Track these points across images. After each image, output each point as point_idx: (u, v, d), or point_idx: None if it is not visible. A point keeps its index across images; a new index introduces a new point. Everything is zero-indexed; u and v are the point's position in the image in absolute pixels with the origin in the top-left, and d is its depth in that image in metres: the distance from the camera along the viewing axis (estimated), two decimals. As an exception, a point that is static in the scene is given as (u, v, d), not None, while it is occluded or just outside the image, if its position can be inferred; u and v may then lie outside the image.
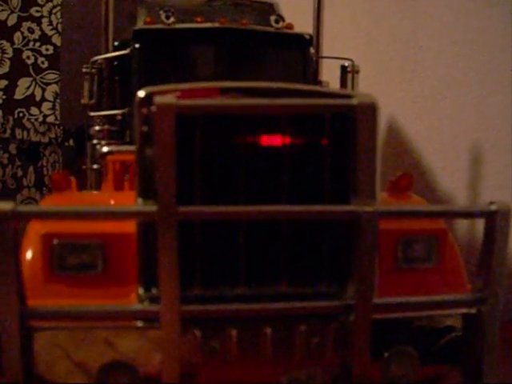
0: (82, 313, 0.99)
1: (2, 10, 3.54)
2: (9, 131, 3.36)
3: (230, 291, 1.05)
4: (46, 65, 3.65)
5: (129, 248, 1.08)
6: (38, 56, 3.52)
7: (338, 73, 1.81)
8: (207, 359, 1.03)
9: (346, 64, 1.80)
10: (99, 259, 1.10)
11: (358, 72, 1.79)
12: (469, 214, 1.15)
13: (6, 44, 3.49)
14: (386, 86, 2.47)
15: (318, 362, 1.06)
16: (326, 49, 1.96)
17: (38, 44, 3.54)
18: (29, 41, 3.52)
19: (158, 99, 0.94)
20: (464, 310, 1.11)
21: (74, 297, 1.08)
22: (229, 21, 1.65)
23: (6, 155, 3.42)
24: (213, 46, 1.69)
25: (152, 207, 0.95)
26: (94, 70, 1.75)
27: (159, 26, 1.64)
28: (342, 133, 1.04)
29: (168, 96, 0.95)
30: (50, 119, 3.71)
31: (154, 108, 0.95)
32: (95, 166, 1.68)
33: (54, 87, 3.63)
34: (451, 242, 1.23)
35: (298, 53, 1.70)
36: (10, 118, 3.36)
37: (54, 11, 3.58)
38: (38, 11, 3.57)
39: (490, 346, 1.10)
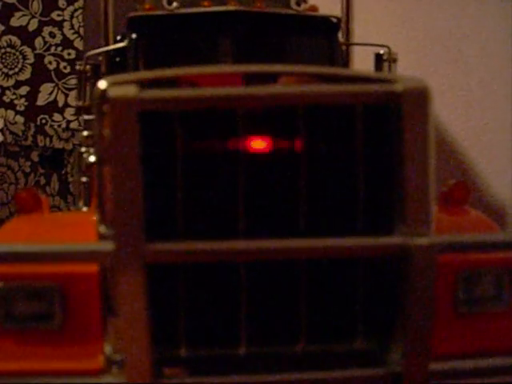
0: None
1: (23, 15, 3.30)
2: (30, 138, 3.11)
3: (227, 352, 0.72)
4: (68, 70, 3.40)
5: (96, 293, 0.76)
6: (59, 61, 3.26)
7: (371, 63, 1.46)
8: None
9: (382, 52, 1.45)
10: (57, 308, 0.78)
11: (395, 61, 1.44)
12: None
13: (27, 49, 3.25)
14: (426, 78, 2.11)
15: None
16: (358, 35, 1.61)
17: (59, 49, 3.28)
18: (50, 45, 3.27)
19: (112, 91, 0.62)
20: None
21: (25, 358, 0.77)
22: (240, 4, 1.31)
23: (29, 163, 3.17)
24: (223, 34, 1.35)
25: (107, 246, 0.63)
26: (88, 67, 1.45)
27: (159, 12, 1.32)
28: (380, 133, 0.71)
29: (128, 87, 0.63)
30: (74, 125, 3.46)
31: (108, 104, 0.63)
32: (84, 179, 1.38)
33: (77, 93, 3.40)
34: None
35: (323, 39, 1.35)
36: (32, 125, 3.11)
37: (75, 15, 3.31)
38: (59, 15, 3.31)
39: None
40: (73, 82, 3.43)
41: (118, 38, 1.57)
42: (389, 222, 0.68)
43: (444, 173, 1.91)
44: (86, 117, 1.46)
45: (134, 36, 1.33)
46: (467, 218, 1.00)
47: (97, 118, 0.68)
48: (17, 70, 3.23)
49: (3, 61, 3.30)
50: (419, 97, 0.65)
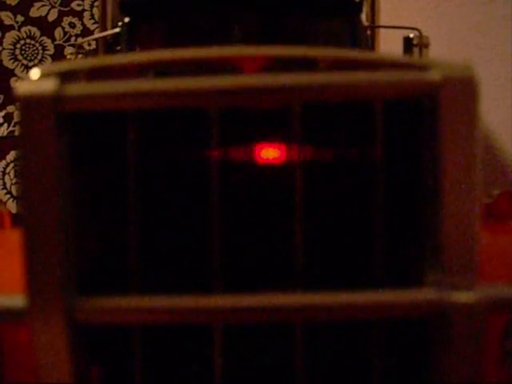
0: None
1: (43, 6, 3.15)
2: (50, 131, 2.98)
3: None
4: (88, 60, 3.27)
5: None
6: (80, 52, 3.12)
7: (400, 48, 1.23)
8: None
9: (411, 35, 1.22)
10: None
11: (427, 46, 1.22)
12: None
13: (46, 40, 3.09)
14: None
15: None
16: (383, 21, 1.38)
17: (79, 39, 3.13)
18: (70, 36, 3.12)
19: (19, 86, 0.43)
20: None
21: None
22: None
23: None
24: (229, 16, 1.14)
25: (19, 302, 0.44)
26: (80, 56, 1.27)
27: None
28: (409, 139, 0.50)
29: (48, 80, 0.43)
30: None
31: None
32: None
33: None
34: None
35: (344, 21, 1.13)
36: (52, 118, 2.98)
37: (95, 4, 3.16)
38: (79, 5, 3.15)
39: None
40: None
41: (120, 24, 1.38)
42: (418, 269, 0.47)
43: (488, 181, 1.66)
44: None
45: (126, 20, 1.14)
46: (516, 236, 0.78)
47: (19, 120, 0.48)
48: (36, 61, 3.08)
49: (23, 52, 3.15)
50: (464, 88, 0.43)
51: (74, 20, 3.13)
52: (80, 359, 0.45)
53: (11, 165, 2.74)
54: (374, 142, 0.48)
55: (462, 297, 0.43)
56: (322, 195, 0.49)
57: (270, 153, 0.51)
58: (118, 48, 1.31)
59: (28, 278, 0.42)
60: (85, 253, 0.45)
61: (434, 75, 0.43)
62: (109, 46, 1.35)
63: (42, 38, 3.10)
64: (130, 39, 1.13)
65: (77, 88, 0.42)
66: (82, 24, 3.14)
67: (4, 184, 2.68)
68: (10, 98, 3.12)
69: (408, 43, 1.22)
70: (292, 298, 0.44)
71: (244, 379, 0.50)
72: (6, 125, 2.85)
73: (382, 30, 1.37)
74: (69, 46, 3.11)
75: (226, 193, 0.47)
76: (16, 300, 0.44)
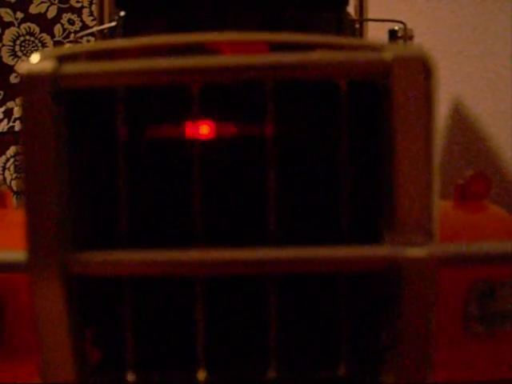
0: None
1: (42, 3, 3.21)
2: (49, 127, 3.04)
3: (181, 379, 0.59)
4: (87, 57, 3.32)
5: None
6: (79, 48, 3.18)
7: (386, 40, 1.30)
8: None
9: (396, 28, 1.28)
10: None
11: (411, 38, 1.28)
12: None
13: (46, 37, 3.15)
14: (450, 60, 1.93)
15: None
16: (371, 13, 1.44)
17: (77, 33, 3.19)
18: (69, 33, 3.17)
19: (21, 66, 0.49)
20: None
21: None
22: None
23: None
24: (222, 10, 1.21)
25: (22, 256, 0.50)
26: (78, 49, 1.32)
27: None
28: (369, 115, 0.56)
29: (46, 61, 0.49)
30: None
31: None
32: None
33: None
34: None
35: (330, 13, 1.19)
36: (51, 113, 3.04)
37: (94, 1, 3.22)
38: (78, 2, 3.21)
39: None
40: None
41: (116, 17, 1.44)
42: (378, 228, 0.53)
43: (466, 164, 1.73)
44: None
45: (122, 13, 1.20)
46: (486, 215, 0.84)
47: (22, 102, 0.54)
48: (36, 57, 3.15)
49: (22, 49, 3.21)
50: (413, 67, 0.50)
51: (73, 17, 3.19)
52: (74, 312, 0.52)
53: (11, 160, 2.80)
54: (340, 115, 0.54)
55: (415, 252, 0.49)
56: (294, 163, 0.55)
57: (246, 129, 0.57)
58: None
59: (28, 235, 0.48)
60: (79, 213, 0.51)
61: (386, 55, 0.50)
62: (105, 39, 1.40)
63: (41, 35, 3.16)
64: (125, 32, 1.19)
65: (72, 67, 0.48)
66: (81, 21, 3.20)
67: (4, 179, 2.75)
68: (10, 94, 3.19)
69: (393, 35, 1.29)
70: (265, 252, 0.50)
71: (223, 328, 0.57)
72: (5, 120, 2.91)
73: (370, 24, 1.44)
74: (68, 42, 3.18)
75: (204, 159, 0.54)
76: (18, 255, 0.50)
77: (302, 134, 0.55)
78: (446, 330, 0.65)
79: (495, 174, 1.76)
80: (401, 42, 1.27)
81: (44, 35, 3.17)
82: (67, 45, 2.60)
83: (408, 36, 1.28)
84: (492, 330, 0.67)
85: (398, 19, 1.31)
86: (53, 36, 3.18)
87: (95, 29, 1.34)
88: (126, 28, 1.19)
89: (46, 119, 0.47)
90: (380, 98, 0.52)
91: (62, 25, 3.19)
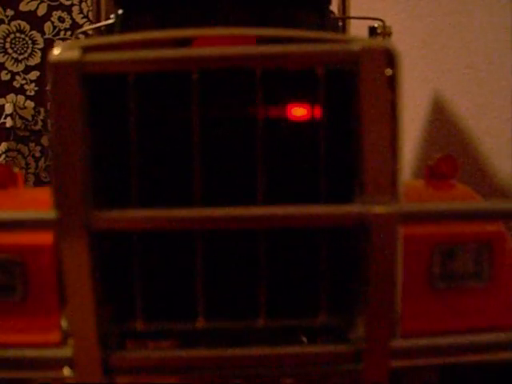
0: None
1: (32, 0, 3.30)
2: (40, 123, 3.12)
3: (185, 326, 0.70)
4: (77, 54, 3.40)
5: (56, 266, 0.74)
6: (69, 46, 3.26)
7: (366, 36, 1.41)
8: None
9: (376, 25, 1.40)
10: (18, 280, 0.77)
11: (389, 34, 1.40)
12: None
13: (36, 34, 3.24)
14: (430, 55, 2.04)
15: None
16: (353, 12, 1.56)
17: (69, 33, 3.27)
18: (60, 30, 3.26)
19: (53, 54, 0.60)
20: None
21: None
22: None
23: (39, 148, 3.18)
24: (213, 8, 1.32)
25: (51, 214, 0.61)
26: (77, 44, 1.43)
27: (145, -14, 1.29)
28: (343, 99, 0.67)
29: (72, 50, 0.60)
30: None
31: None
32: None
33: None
34: (510, 251, 0.84)
35: (314, 13, 1.31)
36: (42, 110, 3.12)
37: (84, -1, 3.31)
38: (68, 0, 3.32)
39: None
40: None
41: (112, 16, 1.55)
42: (352, 190, 0.65)
43: (446, 151, 1.86)
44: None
45: (120, 12, 1.31)
46: (453, 192, 0.95)
47: (51, 87, 0.65)
48: (26, 55, 3.23)
49: (13, 46, 3.30)
50: (377, 56, 0.61)
51: (63, 14, 3.29)
52: (95, 266, 0.63)
53: (3, 156, 2.89)
54: (319, 98, 0.66)
55: (380, 209, 0.61)
56: (281, 138, 0.66)
57: (239, 111, 0.68)
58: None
59: (56, 196, 0.59)
60: (98, 177, 0.62)
61: (355, 46, 0.61)
62: (102, 35, 1.51)
63: (31, 32, 3.25)
64: (123, 29, 1.30)
65: (94, 56, 0.59)
66: (71, 18, 3.30)
67: (-4, 174, 2.83)
68: (1, 90, 3.27)
69: (373, 32, 1.41)
70: (255, 210, 0.62)
71: (220, 281, 0.68)
72: (-3, 117, 3.00)
73: (352, 21, 1.55)
74: (58, 39, 3.26)
75: (204, 135, 0.65)
76: (48, 213, 0.61)
77: (288, 112, 0.67)
78: (413, 287, 0.77)
79: (474, 162, 1.89)
80: (380, 38, 1.39)
81: (34, 33, 3.26)
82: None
83: (387, 33, 1.39)
84: (453, 286, 0.79)
85: (379, 17, 1.42)
86: (43, 33, 3.27)
87: (94, 26, 1.44)
88: (124, 25, 1.30)
89: (73, 97, 0.58)
90: (352, 83, 0.64)
91: (52, 22, 3.28)
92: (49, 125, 0.62)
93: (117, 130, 0.65)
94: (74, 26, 3.31)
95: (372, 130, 0.62)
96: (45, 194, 1.08)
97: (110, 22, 1.37)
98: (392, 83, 0.65)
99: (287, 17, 1.28)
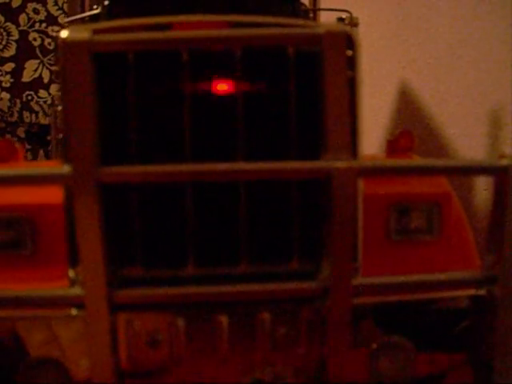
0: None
1: (7, -8, 3.38)
2: (16, 114, 3.20)
3: (177, 272, 0.83)
4: (52, 46, 3.48)
5: (62, 222, 0.87)
6: (44, 37, 3.34)
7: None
8: (152, 356, 0.83)
9: (344, 16, 1.55)
10: (27, 236, 0.89)
11: (356, 25, 1.55)
12: (473, 170, 0.91)
13: (11, 26, 3.33)
14: (397, 46, 2.21)
15: (288, 359, 0.84)
16: (324, 4, 1.71)
17: (44, 25, 3.37)
18: (34, 22, 3.35)
19: (64, 34, 0.73)
20: (471, 292, 0.88)
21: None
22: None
23: (15, 139, 3.26)
24: (192, 2, 1.46)
25: (65, 169, 0.74)
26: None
27: (129, -22, 1.42)
28: (310, 75, 0.81)
29: (80, 30, 0.73)
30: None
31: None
32: (61, 136, 1.48)
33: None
34: (457, 209, 0.99)
35: (285, 5, 1.46)
36: (18, 101, 3.20)
37: (59, -10, 3.40)
38: (43, -9, 3.40)
39: (503, 332, 0.86)
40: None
41: (95, 7, 1.67)
42: (318, 151, 0.79)
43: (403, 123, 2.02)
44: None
45: (106, 2, 1.43)
46: (409, 162, 1.10)
47: (61, 66, 0.78)
48: (1, 46, 3.32)
49: (-13, 37, 3.37)
50: (338, 38, 0.75)
51: (38, 6, 3.38)
52: (105, 215, 0.76)
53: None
54: (289, 76, 0.80)
55: (341, 164, 0.75)
56: (258, 108, 0.81)
57: (221, 86, 0.82)
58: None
59: (70, 154, 0.72)
60: (103, 139, 0.75)
61: (320, 30, 0.75)
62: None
63: (6, 24, 3.34)
64: (109, 18, 1.42)
65: (101, 37, 0.72)
66: (46, 10, 3.39)
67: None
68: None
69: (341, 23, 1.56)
70: (237, 165, 0.76)
71: (207, 231, 0.82)
72: (-27, 107, 3.08)
73: (322, 13, 1.70)
74: (33, 31, 3.35)
75: (194, 109, 0.79)
76: (62, 169, 0.74)
77: (264, 87, 0.81)
78: (372, 239, 0.91)
79: (438, 145, 2.05)
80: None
81: (9, 24, 3.35)
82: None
83: (354, 24, 1.54)
84: (407, 239, 0.94)
85: (348, 9, 1.57)
86: (18, 25, 3.37)
87: (80, 15, 1.56)
88: (110, 15, 1.43)
89: (85, 72, 0.71)
90: (318, 61, 0.78)
91: (27, 14, 3.37)
92: (61, 95, 0.75)
93: (117, 100, 0.78)
94: (49, 18, 3.40)
95: (334, 101, 0.76)
96: (38, 167, 1.20)
97: (95, 12, 1.50)
98: (352, 63, 0.80)
99: (260, 7, 1.42)
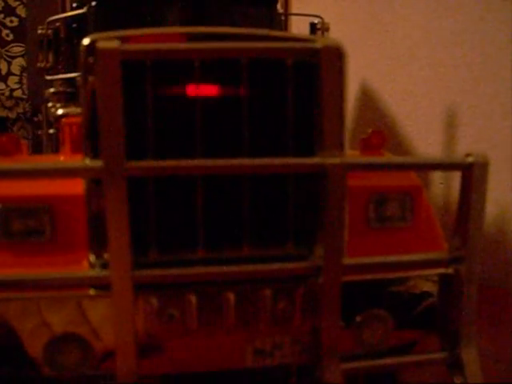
0: (22, 281, 0.89)
1: (-37, -19, 3.38)
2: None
3: (188, 255, 0.96)
4: (10, 37, 3.49)
5: (78, 211, 0.98)
6: (2, 28, 3.37)
7: (307, 31, 1.71)
8: (167, 329, 0.95)
9: (316, 21, 1.70)
10: (47, 224, 1.00)
11: (327, 30, 1.70)
12: (445, 166, 1.07)
13: (-33, 16, 3.33)
14: (359, 47, 2.37)
15: (286, 330, 0.98)
16: (295, 8, 1.85)
17: (1, 16, 3.39)
18: (-8, 13, 3.37)
19: (100, 44, 0.84)
20: (440, 270, 1.04)
21: (21, 265, 0.98)
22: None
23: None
24: (176, 4, 1.57)
25: (97, 163, 0.85)
26: (49, 32, 1.63)
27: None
28: (306, 82, 0.95)
29: (112, 41, 0.85)
30: (17, 94, 3.57)
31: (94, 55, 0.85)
32: (51, 131, 1.57)
33: (20, 60, 3.48)
34: (426, 200, 1.15)
35: (264, 10, 1.59)
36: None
37: (17, -18, 3.42)
38: (0, -18, 3.41)
39: (469, 308, 1.02)
40: (16, 49, 3.54)
41: (74, 5, 1.76)
42: (313, 148, 0.93)
43: (370, 127, 2.19)
44: (49, 77, 1.64)
45: (93, 3, 1.53)
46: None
47: (83, 68, 0.89)
48: (-41, 36, 3.31)
49: None
50: (335, 52, 0.89)
51: (-4, -3, 3.39)
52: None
53: None
54: (288, 83, 0.94)
55: (333, 160, 0.89)
56: (258, 111, 0.94)
57: (228, 90, 0.95)
58: (74, 25, 1.70)
59: (103, 149, 0.83)
60: (127, 136, 0.87)
61: (318, 44, 0.89)
62: (67, 23, 1.71)
63: (-38, 14, 3.33)
64: (96, 19, 1.52)
65: (129, 46, 0.84)
66: (4, 1, 3.41)
67: None
68: None
69: (313, 28, 1.71)
70: (242, 160, 0.90)
71: (215, 218, 0.94)
72: None
73: (293, 18, 1.83)
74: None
75: (203, 110, 0.92)
76: (94, 163, 0.85)
77: (266, 92, 0.94)
78: (355, 226, 1.06)
79: (397, 140, 2.23)
80: (319, 33, 1.69)
81: (-35, 15, 3.34)
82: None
83: (325, 28, 1.69)
84: (384, 226, 1.09)
85: (319, 14, 1.71)
86: (-26, 16, 3.36)
87: (66, 14, 1.64)
88: (97, 15, 1.52)
89: (115, 77, 0.82)
90: (315, 71, 0.92)
91: (-15, 5, 3.37)
92: (83, 97, 0.87)
93: (137, 103, 0.90)
94: (7, 8, 3.42)
95: (328, 105, 0.90)
96: (46, 160, 1.30)
97: (81, 11, 1.59)
98: (340, 72, 0.94)
99: (241, 14, 1.55)
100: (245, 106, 0.93)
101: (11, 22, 3.40)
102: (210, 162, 0.90)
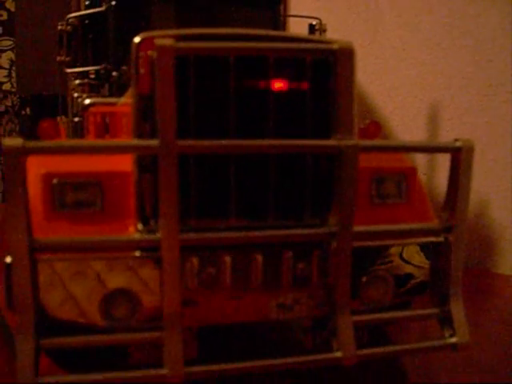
0: (83, 244, 1.08)
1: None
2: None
3: (223, 223, 1.16)
4: (0, 31, 3.63)
5: (125, 186, 1.17)
6: (-9, 22, 3.50)
7: (305, 32, 1.92)
8: (205, 285, 1.15)
9: (314, 23, 1.91)
10: (97, 197, 1.19)
11: (325, 31, 1.92)
12: (440, 149, 1.30)
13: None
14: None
15: (304, 287, 1.19)
16: (294, 10, 2.06)
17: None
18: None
19: (158, 41, 1.04)
20: (432, 239, 1.26)
21: (75, 233, 1.17)
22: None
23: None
24: (188, 6, 1.77)
25: (154, 142, 1.05)
26: (69, 28, 1.81)
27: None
28: (323, 77, 1.16)
29: (167, 39, 1.04)
30: (6, 87, 3.70)
31: (154, 50, 1.05)
32: (76, 119, 1.75)
33: (9, 54, 3.62)
34: (419, 180, 1.38)
35: (268, 12, 1.80)
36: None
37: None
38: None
39: (456, 270, 1.24)
40: (5, 43, 3.68)
41: (87, 2, 1.94)
42: (330, 132, 1.14)
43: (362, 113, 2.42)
44: (69, 70, 1.82)
45: (113, 2, 1.71)
46: (379, 146, 1.47)
47: (135, 62, 1.09)
48: None
49: None
50: (349, 52, 1.11)
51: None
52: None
53: None
54: (307, 78, 1.15)
55: (348, 142, 1.11)
56: (287, 102, 1.14)
57: (258, 82, 1.15)
58: (87, 21, 1.88)
59: (161, 132, 1.03)
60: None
61: (335, 45, 1.10)
62: (81, 20, 1.89)
63: (-48, 7, 3.45)
64: (115, 16, 1.71)
65: (182, 44, 1.04)
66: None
67: None
68: None
69: (311, 29, 1.93)
70: (267, 141, 1.11)
71: (246, 186, 1.15)
72: None
73: (291, 19, 2.05)
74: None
75: (242, 98, 1.12)
76: (152, 142, 1.05)
77: (288, 84, 1.15)
78: (360, 202, 1.27)
79: (381, 137, 2.47)
80: (317, 33, 1.91)
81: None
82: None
83: (323, 29, 1.91)
84: (384, 202, 1.31)
85: (318, 16, 1.93)
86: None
87: (85, 12, 1.82)
88: (116, 13, 1.71)
89: (170, 71, 1.02)
90: (332, 69, 1.13)
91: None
92: (135, 86, 1.07)
93: (181, 93, 1.10)
94: (-4, 2, 3.55)
95: (343, 96, 1.11)
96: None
97: (101, 9, 1.77)
98: (352, 69, 1.16)
99: (246, 18, 1.76)
100: (270, 96, 1.15)
101: (0, 15, 3.54)
102: (243, 142, 1.11)
